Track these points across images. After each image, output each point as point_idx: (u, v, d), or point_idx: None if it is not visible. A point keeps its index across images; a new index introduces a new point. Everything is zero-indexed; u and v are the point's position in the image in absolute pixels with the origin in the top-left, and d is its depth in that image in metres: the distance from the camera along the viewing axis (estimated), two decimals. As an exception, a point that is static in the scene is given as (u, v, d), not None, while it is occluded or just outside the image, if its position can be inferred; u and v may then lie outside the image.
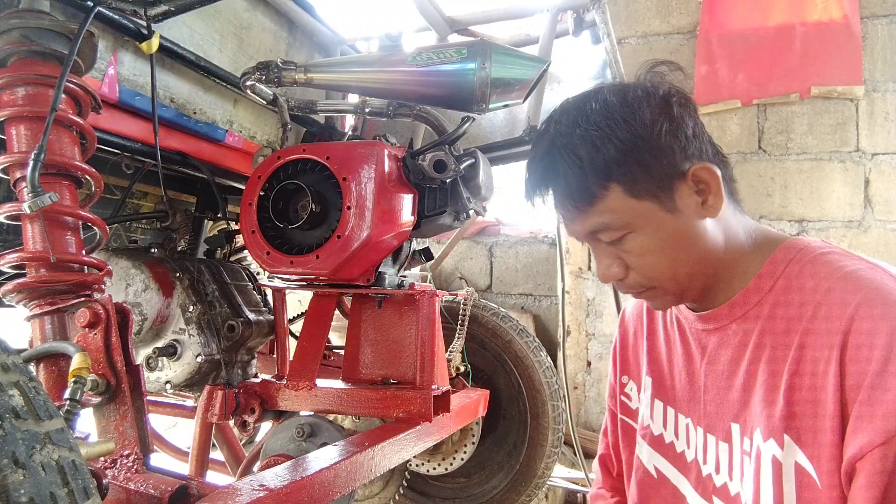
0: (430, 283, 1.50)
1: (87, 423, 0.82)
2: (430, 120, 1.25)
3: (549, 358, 1.88)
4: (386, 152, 1.11)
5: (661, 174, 0.73)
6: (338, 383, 1.26)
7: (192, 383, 1.42)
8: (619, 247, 0.76)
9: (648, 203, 0.73)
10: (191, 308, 1.42)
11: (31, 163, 0.85)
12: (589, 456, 2.06)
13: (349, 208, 1.06)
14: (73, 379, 0.75)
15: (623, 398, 1.03)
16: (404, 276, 1.34)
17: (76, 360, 0.77)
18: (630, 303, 1.04)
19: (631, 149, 0.72)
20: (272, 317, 1.54)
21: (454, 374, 1.70)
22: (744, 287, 0.77)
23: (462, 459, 1.81)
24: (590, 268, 3.27)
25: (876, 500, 0.59)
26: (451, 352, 1.71)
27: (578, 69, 1.77)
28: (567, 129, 0.75)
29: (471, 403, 1.45)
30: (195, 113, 1.44)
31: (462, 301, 1.78)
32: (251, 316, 1.50)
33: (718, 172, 0.74)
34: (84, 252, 0.95)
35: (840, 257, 0.72)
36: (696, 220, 0.75)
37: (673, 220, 0.74)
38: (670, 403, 0.90)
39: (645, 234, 0.75)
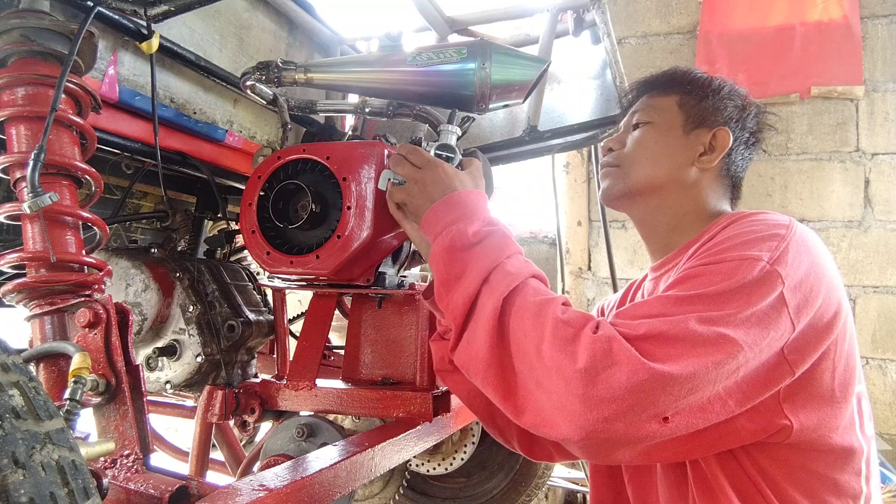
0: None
1: (87, 423, 0.82)
2: (430, 120, 1.25)
3: (549, 358, 1.88)
4: (386, 152, 1.11)
5: (705, 113, 0.96)
6: (338, 383, 1.26)
7: (192, 383, 1.42)
8: (636, 130, 0.99)
9: (681, 117, 0.96)
10: (191, 308, 1.42)
11: (31, 163, 0.85)
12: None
13: (349, 208, 1.06)
14: (73, 379, 0.75)
15: None
16: (404, 276, 1.34)
17: (76, 360, 0.77)
18: None
19: (710, 91, 0.97)
20: (272, 317, 1.53)
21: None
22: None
23: (462, 459, 1.81)
24: (590, 268, 3.28)
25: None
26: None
27: (578, 69, 1.77)
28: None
29: (471, 403, 1.45)
30: (195, 113, 1.44)
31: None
32: (251, 316, 1.50)
33: (729, 146, 0.94)
34: (84, 252, 0.95)
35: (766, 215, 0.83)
36: (688, 158, 0.95)
37: (679, 139, 0.95)
38: None
39: (656, 130, 0.97)
